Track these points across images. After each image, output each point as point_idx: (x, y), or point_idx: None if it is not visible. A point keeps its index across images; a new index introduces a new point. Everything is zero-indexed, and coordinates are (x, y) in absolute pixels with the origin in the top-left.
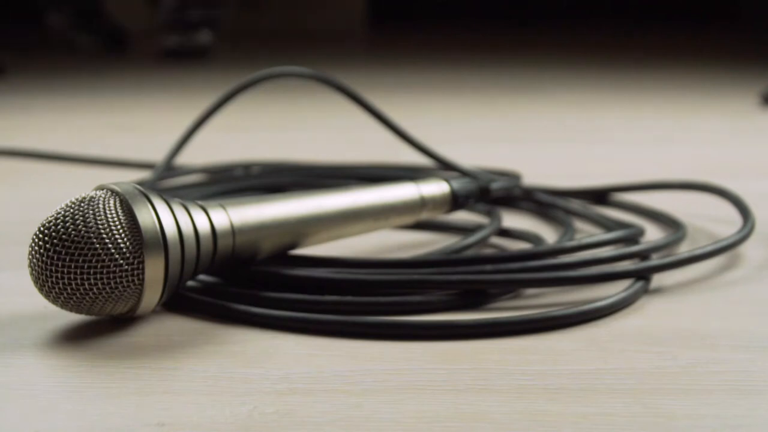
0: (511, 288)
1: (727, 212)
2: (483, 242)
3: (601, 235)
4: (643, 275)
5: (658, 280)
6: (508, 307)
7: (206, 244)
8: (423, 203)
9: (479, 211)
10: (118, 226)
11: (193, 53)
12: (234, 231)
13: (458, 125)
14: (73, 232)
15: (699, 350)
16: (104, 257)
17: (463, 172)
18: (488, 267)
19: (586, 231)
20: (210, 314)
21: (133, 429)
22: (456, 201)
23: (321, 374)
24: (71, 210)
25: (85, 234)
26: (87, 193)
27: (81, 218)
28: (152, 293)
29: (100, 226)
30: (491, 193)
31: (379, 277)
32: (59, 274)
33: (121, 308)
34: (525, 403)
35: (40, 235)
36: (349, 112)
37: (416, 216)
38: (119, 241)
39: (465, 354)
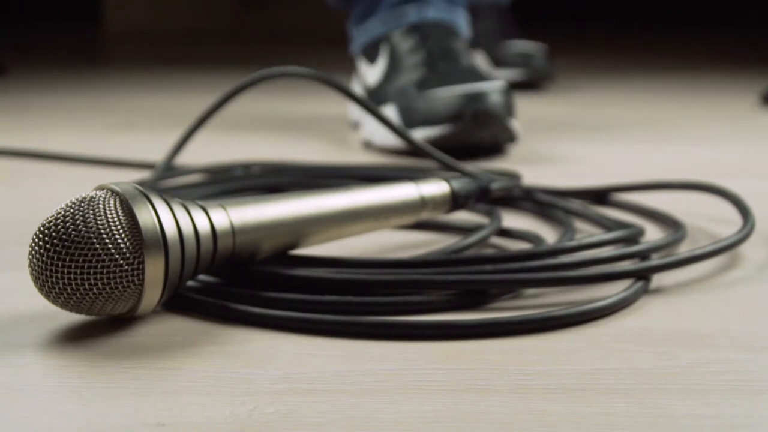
0: (511, 288)
1: (727, 212)
2: (483, 242)
3: (601, 235)
4: (643, 275)
5: (658, 280)
6: (508, 307)
7: (206, 244)
8: (423, 203)
9: (479, 211)
10: (118, 226)
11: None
12: (234, 231)
13: None
14: (73, 232)
15: (699, 350)
16: (104, 257)
17: (463, 172)
18: (488, 267)
19: (586, 231)
20: (210, 314)
21: (133, 429)
22: (456, 201)
23: (321, 374)
24: (71, 210)
25: (85, 234)
26: (87, 193)
27: (81, 218)
28: (152, 293)
29: (100, 226)
30: (491, 193)
31: (379, 277)
32: (59, 274)
33: (121, 308)
34: (525, 403)
35: (40, 235)
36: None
37: (416, 216)
38: (119, 241)
39: (465, 354)
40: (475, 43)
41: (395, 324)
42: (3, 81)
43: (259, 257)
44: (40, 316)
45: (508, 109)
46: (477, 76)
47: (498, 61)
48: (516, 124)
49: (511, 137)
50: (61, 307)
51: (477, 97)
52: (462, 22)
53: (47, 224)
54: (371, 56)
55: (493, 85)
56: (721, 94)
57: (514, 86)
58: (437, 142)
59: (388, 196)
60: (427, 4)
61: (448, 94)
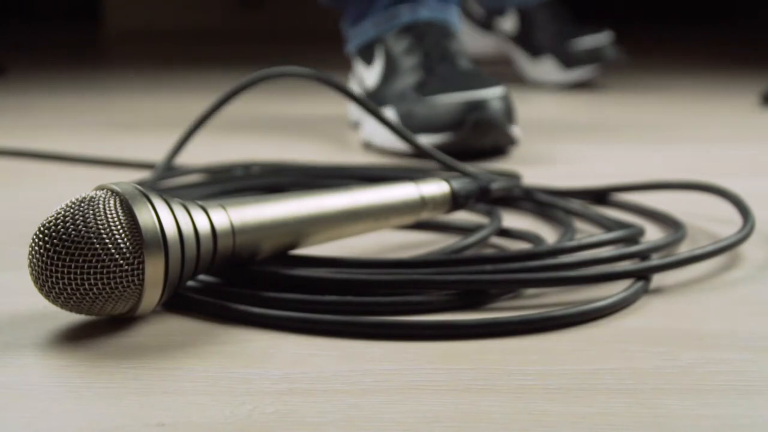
0: (511, 288)
1: (727, 212)
2: (483, 242)
3: (601, 235)
4: (643, 275)
5: (658, 280)
6: (508, 307)
7: (206, 244)
8: (423, 203)
9: (479, 211)
10: (118, 226)
11: None
12: (234, 231)
13: None
14: (73, 232)
15: (699, 350)
16: (104, 257)
17: (464, 172)
18: (488, 267)
19: (586, 231)
20: (210, 314)
21: (133, 429)
22: (456, 201)
23: (321, 374)
24: (71, 210)
25: (85, 234)
26: (87, 193)
27: (81, 218)
28: (152, 293)
29: (100, 226)
30: (491, 193)
31: (379, 277)
32: (59, 274)
33: (121, 308)
34: (525, 403)
35: (40, 235)
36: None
37: (416, 216)
38: (119, 241)
39: (465, 354)
40: (542, 49)
41: (395, 324)
42: (3, 81)
43: (259, 257)
44: (40, 316)
45: (509, 116)
46: (477, 80)
47: (568, 62)
48: (516, 130)
49: (511, 142)
50: (61, 307)
51: (478, 105)
52: (456, 20)
53: (47, 224)
54: (367, 58)
55: (494, 92)
56: (721, 94)
57: (583, 85)
58: (438, 149)
59: (388, 196)
60: (419, 3)
61: (448, 101)
